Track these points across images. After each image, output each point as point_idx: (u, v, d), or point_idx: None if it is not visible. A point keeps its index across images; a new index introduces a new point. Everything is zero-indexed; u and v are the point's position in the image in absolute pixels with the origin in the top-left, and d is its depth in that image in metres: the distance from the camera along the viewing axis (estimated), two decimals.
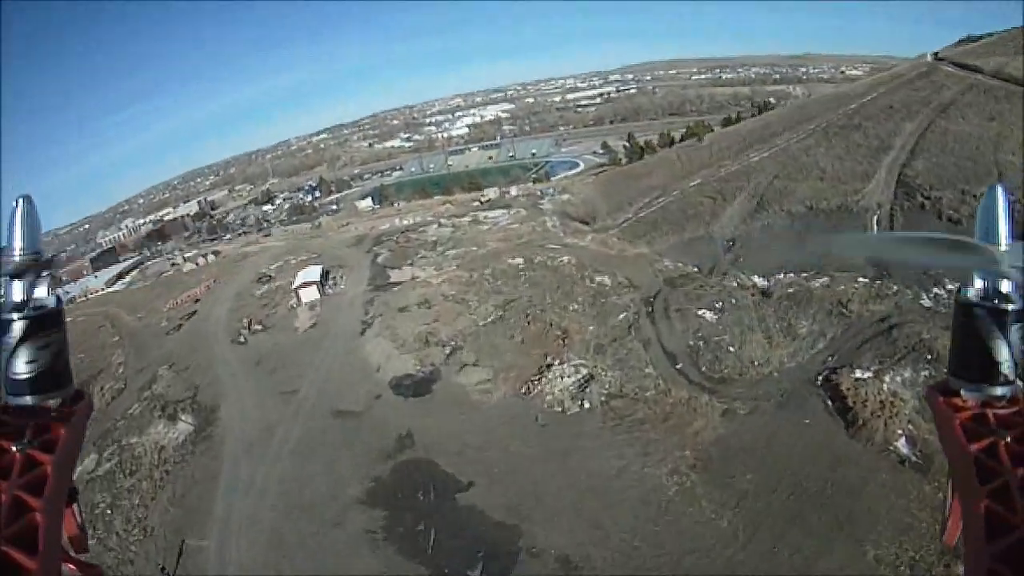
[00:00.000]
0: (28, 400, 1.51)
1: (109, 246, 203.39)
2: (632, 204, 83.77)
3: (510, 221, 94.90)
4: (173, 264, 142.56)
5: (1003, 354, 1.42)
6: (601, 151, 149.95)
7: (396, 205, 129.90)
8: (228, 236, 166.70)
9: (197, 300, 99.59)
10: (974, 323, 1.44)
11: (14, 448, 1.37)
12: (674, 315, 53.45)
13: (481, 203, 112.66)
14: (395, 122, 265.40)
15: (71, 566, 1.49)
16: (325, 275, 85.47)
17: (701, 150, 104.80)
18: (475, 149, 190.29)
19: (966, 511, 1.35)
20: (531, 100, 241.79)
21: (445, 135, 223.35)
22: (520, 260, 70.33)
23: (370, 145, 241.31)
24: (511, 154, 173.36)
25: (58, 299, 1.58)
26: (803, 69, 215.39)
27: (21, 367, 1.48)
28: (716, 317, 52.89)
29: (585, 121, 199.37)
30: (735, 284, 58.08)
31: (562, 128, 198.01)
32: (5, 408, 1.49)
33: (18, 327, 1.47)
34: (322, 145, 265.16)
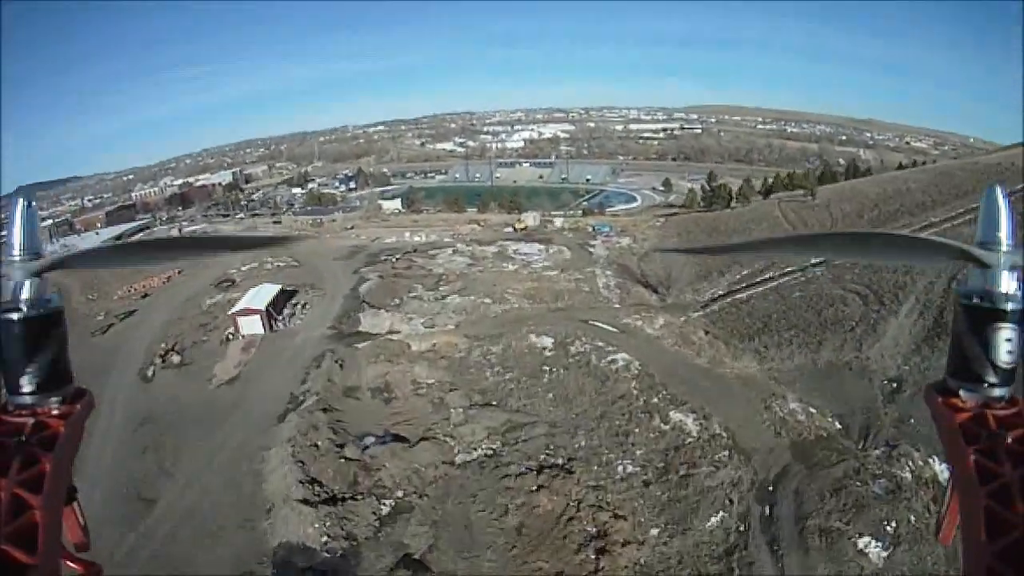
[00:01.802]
0: (28, 399, 1.45)
1: (128, 203, 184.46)
2: (725, 274, 56.28)
3: (547, 263, 68.75)
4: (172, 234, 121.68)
5: (1002, 354, 1.38)
6: (662, 188, 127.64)
7: (415, 216, 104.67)
8: (240, 215, 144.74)
9: (146, 295, 76.34)
10: (973, 323, 1.40)
11: (13, 446, 1.35)
12: (815, 541, 25.73)
13: (515, 230, 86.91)
14: (452, 125, 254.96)
15: (71, 564, 1.45)
16: (285, 297, 60.29)
17: (815, 210, 75.98)
18: (526, 165, 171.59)
19: (965, 511, 1.31)
20: (592, 125, 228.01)
21: (499, 146, 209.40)
22: (548, 341, 44.14)
23: (422, 144, 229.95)
24: (563, 176, 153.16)
25: (58, 298, 1.51)
26: (868, 134, 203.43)
27: (21, 366, 1.43)
28: (887, 556, 25.28)
29: (647, 153, 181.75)
30: (908, 474, 29.99)
31: (621, 157, 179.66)
32: (5, 407, 1.45)
33: (18, 326, 1.42)
34: (376, 137, 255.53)
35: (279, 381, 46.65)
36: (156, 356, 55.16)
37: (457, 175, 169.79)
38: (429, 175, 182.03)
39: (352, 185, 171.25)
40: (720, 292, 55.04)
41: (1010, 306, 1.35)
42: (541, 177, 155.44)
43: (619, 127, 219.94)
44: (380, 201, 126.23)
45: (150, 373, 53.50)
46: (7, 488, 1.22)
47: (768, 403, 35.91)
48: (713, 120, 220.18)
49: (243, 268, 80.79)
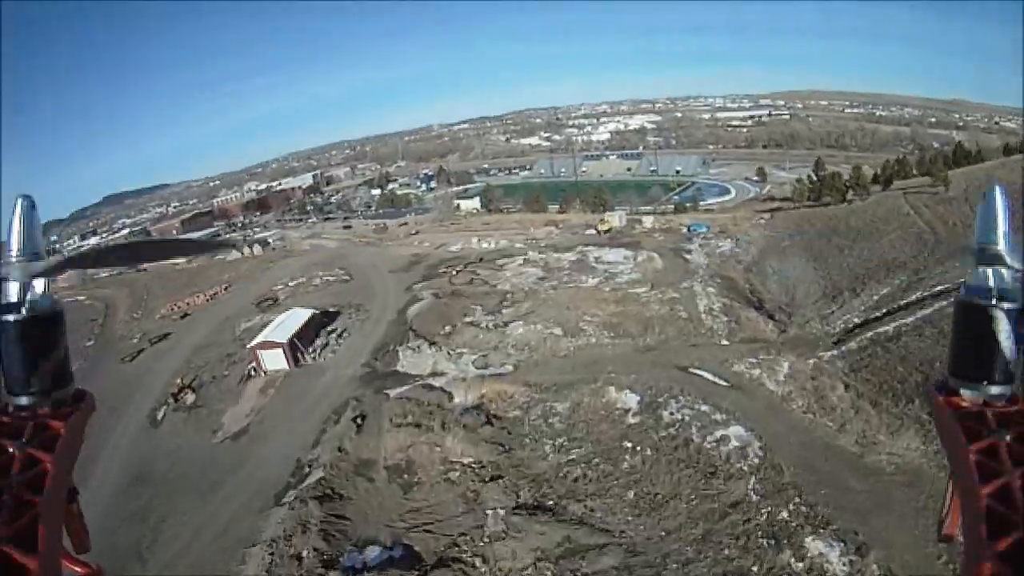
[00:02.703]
0: (28, 400, 1.45)
1: (207, 208, 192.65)
2: (859, 293, 42.83)
3: (634, 276, 57.27)
4: (234, 245, 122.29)
5: (1003, 353, 1.39)
6: (756, 178, 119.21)
7: (488, 218, 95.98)
8: (312, 219, 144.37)
9: (185, 316, 73.62)
10: (974, 321, 1.41)
11: (14, 447, 1.36)
12: None
13: (599, 232, 75.63)
14: (538, 120, 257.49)
15: (72, 565, 1.47)
16: (318, 324, 53.33)
17: (952, 204, 58.88)
18: (614, 157, 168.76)
19: (966, 511, 1.32)
20: (679, 114, 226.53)
21: (585, 139, 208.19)
22: (633, 399, 33.31)
23: (507, 140, 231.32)
24: (652, 168, 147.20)
25: (58, 300, 1.50)
26: (956, 115, 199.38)
27: (21, 367, 1.43)
28: None
29: (736, 142, 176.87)
30: None
31: (710, 146, 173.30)
32: (5, 408, 1.45)
33: (18, 328, 1.42)
34: (461, 135, 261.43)
35: (289, 439, 39.03)
36: (172, 391, 50.45)
37: (542, 170, 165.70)
38: (513, 171, 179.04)
39: (432, 184, 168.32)
40: (856, 321, 41.44)
41: (1009, 304, 1.37)
42: (629, 170, 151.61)
43: (706, 116, 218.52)
44: (457, 201, 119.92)
45: (160, 415, 48.43)
46: (8, 489, 1.25)
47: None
48: (800, 105, 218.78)
49: (290, 284, 76.08)
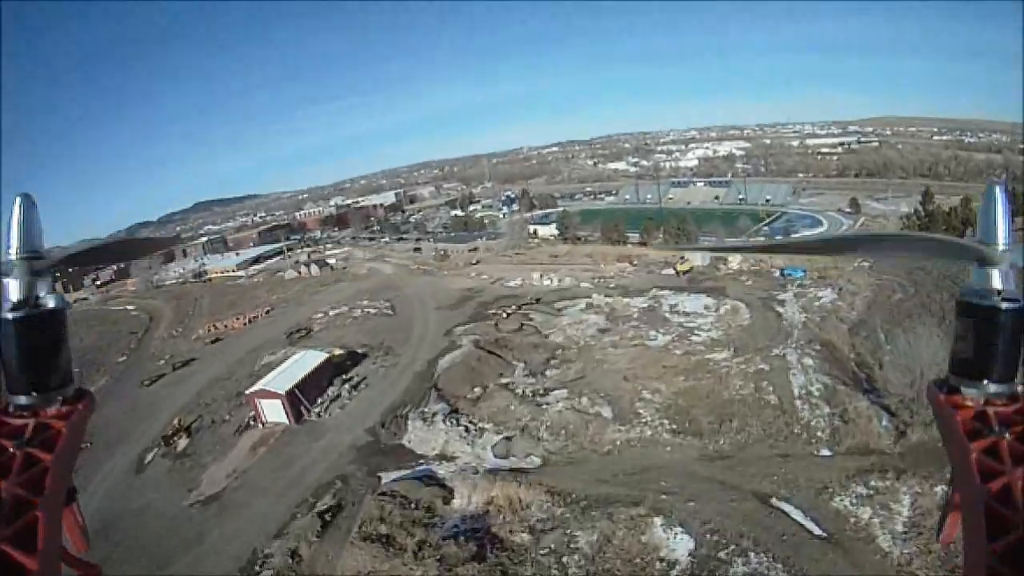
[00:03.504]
0: (29, 400, 1.52)
1: (286, 221, 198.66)
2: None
3: (713, 333, 48.03)
4: (297, 262, 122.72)
5: (1004, 352, 1.45)
6: (849, 209, 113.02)
7: (556, 249, 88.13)
8: (385, 239, 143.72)
9: (216, 340, 71.76)
10: (975, 321, 1.47)
11: (14, 447, 1.41)
12: None
13: (677, 272, 66.13)
14: (626, 145, 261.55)
15: (71, 564, 1.52)
16: (332, 371, 48.59)
17: None
18: (701, 184, 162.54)
19: (967, 510, 1.38)
20: (767, 141, 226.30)
21: (672, 164, 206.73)
22: (683, 547, 24.86)
23: (595, 164, 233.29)
24: (741, 196, 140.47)
25: (59, 299, 1.58)
26: None
27: (23, 366, 1.50)
28: None
29: (826, 170, 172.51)
30: None
31: (800, 174, 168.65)
32: (6, 408, 1.52)
33: (18, 326, 1.49)
34: (549, 158, 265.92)
35: (256, 520, 33.69)
36: (168, 431, 47.09)
37: (627, 196, 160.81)
38: (599, 196, 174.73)
39: (514, 207, 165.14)
40: None
41: (1008, 304, 1.42)
42: (717, 198, 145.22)
43: (795, 143, 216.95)
44: (534, 227, 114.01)
45: (148, 459, 45.06)
46: (8, 489, 1.29)
47: None
48: (889, 132, 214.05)
49: (331, 313, 72.34)
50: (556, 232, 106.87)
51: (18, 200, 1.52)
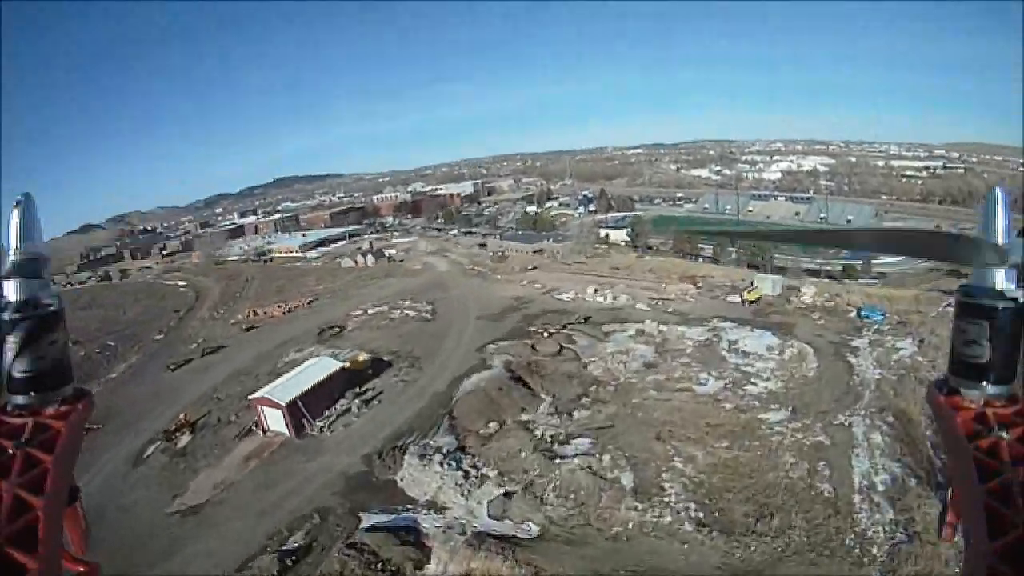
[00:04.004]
0: (28, 400, 1.55)
1: (360, 204, 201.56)
2: None
3: (771, 384, 41.38)
4: (359, 248, 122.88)
5: (1004, 353, 1.48)
6: None
7: (621, 260, 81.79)
8: (453, 231, 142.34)
9: (251, 328, 71.75)
10: (974, 321, 1.50)
11: (14, 448, 1.43)
12: None
13: (744, 301, 59.52)
14: (710, 152, 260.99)
15: (72, 564, 1.54)
16: (345, 384, 46.32)
17: None
18: (782, 199, 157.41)
19: (966, 509, 1.41)
20: (852, 159, 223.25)
21: (755, 176, 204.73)
22: None
23: (677, 169, 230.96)
24: (822, 215, 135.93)
25: (57, 300, 1.61)
26: None
27: (22, 366, 1.53)
28: None
29: (910, 194, 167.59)
30: None
31: (884, 196, 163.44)
32: (5, 408, 1.54)
33: (17, 327, 1.52)
34: (633, 159, 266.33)
35: (227, 544, 31.76)
36: (173, 425, 46.23)
37: (706, 205, 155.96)
38: (678, 202, 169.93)
39: (591, 207, 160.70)
40: None
41: (1004, 304, 1.45)
42: (797, 214, 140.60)
43: (880, 163, 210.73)
44: (606, 230, 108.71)
45: (148, 453, 44.26)
46: (8, 489, 1.32)
47: None
48: (975, 160, 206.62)
49: (369, 311, 70.39)
50: (627, 238, 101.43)
51: (18, 201, 1.54)
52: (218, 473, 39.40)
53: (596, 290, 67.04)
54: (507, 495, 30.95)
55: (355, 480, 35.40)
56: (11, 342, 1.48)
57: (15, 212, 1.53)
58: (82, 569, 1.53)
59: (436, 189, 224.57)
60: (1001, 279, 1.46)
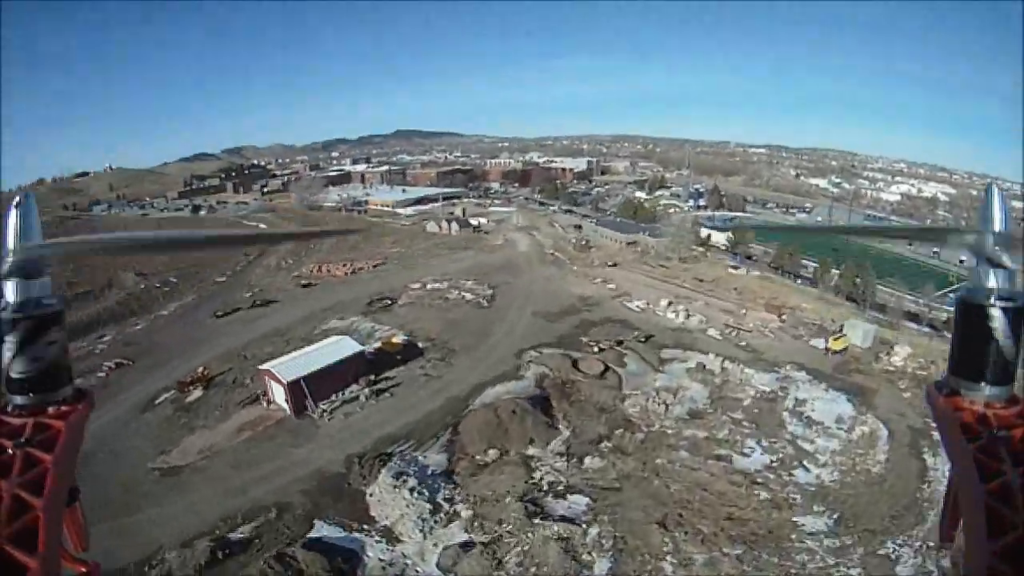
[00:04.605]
0: (28, 400, 1.58)
1: (468, 167, 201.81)
2: None
3: (829, 471, 34.17)
4: (451, 213, 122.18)
5: (1004, 353, 1.50)
6: None
7: (694, 277, 73.47)
8: (554, 208, 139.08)
9: (307, 285, 73.32)
10: (974, 321, 1.53)
11: (14, 448, 1.46)
12: None
13: (827, 349, 51.17)
14: (832, 162, 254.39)
15: (71, 564, 1.56)
16: (360, 369, 45.46)
17: None
18: (896, 222, 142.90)
19: (967, 509, 1.42)
20: (974, 192, 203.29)
21: (874, 194, 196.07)
22: None
23: (796, 176, 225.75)
24: (935, 250, 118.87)
25: (58, 299, 1.64)
26: None
27: (21, 366, 1.55)
28: None
29: None
30: None
31: None
32: (5, 408, 1.58)
33: (16, 327, 1.54)
34: (754, 159, 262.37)
35: (184, 517, 31.57)
36: (185, 379, 46.97)
37: (819, 218, 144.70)
38: (791, 210, 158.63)
39: (701, 202, 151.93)
40: None
41: (1004, 304, 1.48)
42: (910, 244, 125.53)
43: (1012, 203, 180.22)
44: (707, 230, 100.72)
45: (159, 401, 45.30)
46: (8, 489, 1.34)
47: None
48: None
49: (427, 286, 68.79)
50: (726, 242, 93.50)
51: (16, 200, 1.56)
52: (210, 437, 39.41)
53: (670, 303, 61.12)
54: (466, 546, 27.76)
55: (328, 482, 33.71)
56: (11, 342, 1.50)
57: (14, 212, 1.54)
58: (82, 569, 1.53)
59: (551, 161, 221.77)
60: (1001, 280, 1.49)
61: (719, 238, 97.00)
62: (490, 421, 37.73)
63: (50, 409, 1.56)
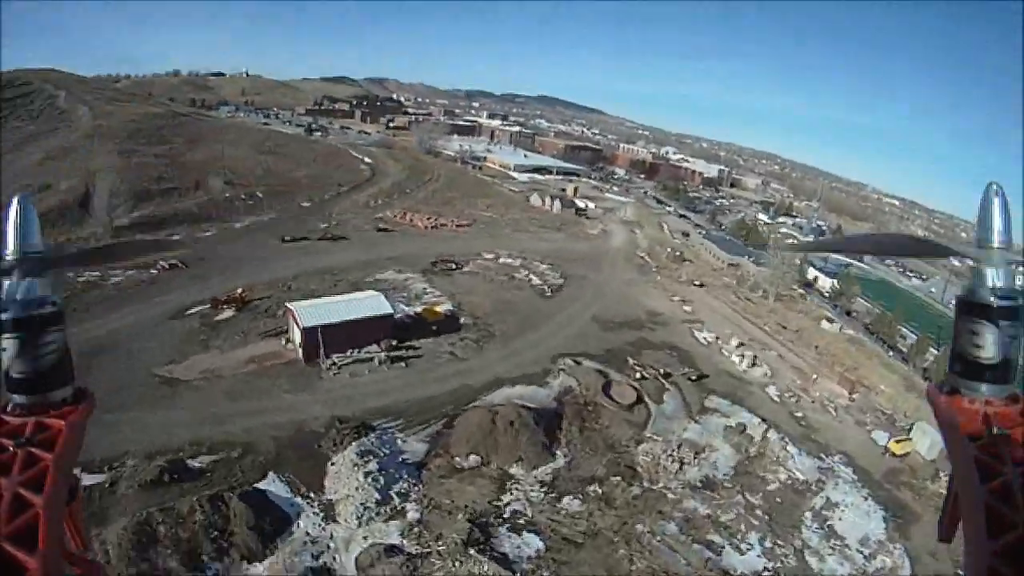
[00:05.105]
0: (29, 400, 1.60)
1: (599, 147, 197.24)
2: None
3: None
4: (563, 190, 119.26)
5: (1004, 353, 1.52)
6: None
7: (775, 320, 65.28)
8: (672, 209, 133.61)
9: (383, 231, 75.08)
10: (974, 321, 1.54)
11: (14, 447, 1.47)
12: None
13: (887, 449, 42.75)
14: (963, 233, 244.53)
15: (72, 563, 1.57)
16: (385, 329, 44.63)
17: None
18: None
19: (967, 509, 1.43)
20: None
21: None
22: None
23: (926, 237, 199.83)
24: None
25: (58, 299, 1.66)
26: None
27: (22, 366, 1.58)
28: None
29: None
30: None
31: None
32: (6, 406, 1.59)
33: (17, 327, 1.56)
34: (886, 209, 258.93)
35: (159, 428, 32.77)
36: (221, 296, 48.50)
37: (933, 289, 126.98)
38: (908, 273, 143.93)
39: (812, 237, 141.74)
40: None
41: (1003, 303, 1.50)
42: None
43: None
44: (814, 271, 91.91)
45: (190, 312, 47.07)
46: (9, 488, 1.36)
47: None
48: None
49: (501, 259, 67.03)
50: (830, 291, 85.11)
51: (16, 201, 1.59)
52: (218, 360, 40.27)
53: (740, 344, 55.51)
54: (392, 550, 26.07)
55: (302, 437, 33.28)
56: (11, 342, 1.53)
57: (13, 212, 1.57)
58: (81, 568, 1.56)
59: (684, 160, 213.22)
60: (1001, 279, 1.51)
61: (824, 283, 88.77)
62: (483, 425, 35.47)
63: (51, 409, 1.57)
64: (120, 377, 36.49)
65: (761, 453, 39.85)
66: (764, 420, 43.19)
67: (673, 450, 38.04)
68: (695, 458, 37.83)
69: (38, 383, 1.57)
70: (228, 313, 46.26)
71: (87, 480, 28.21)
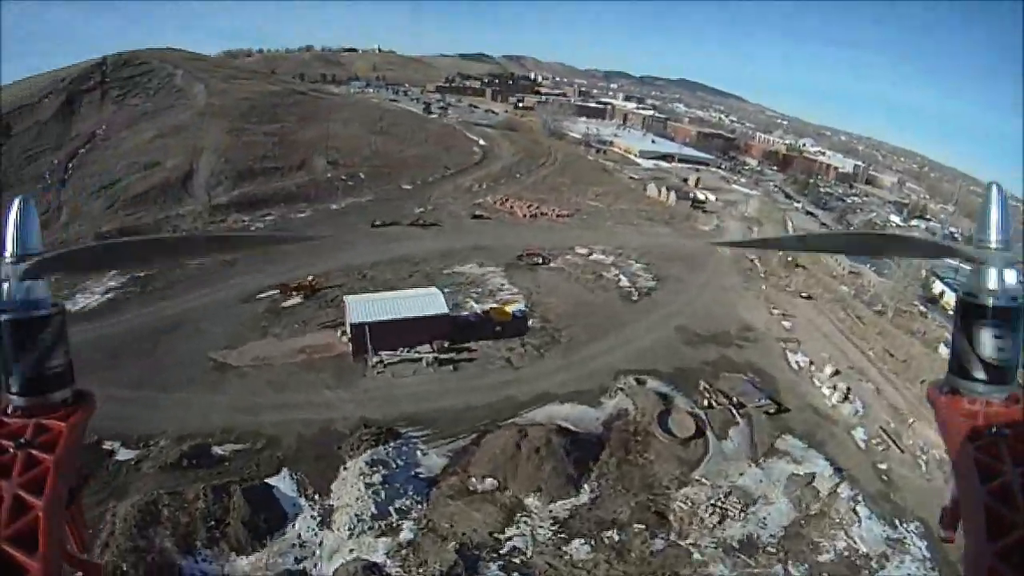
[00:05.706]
0: (29, 401, 1.62)
1: (732, 136, 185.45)
2: None
3: None
4: (686, 180, 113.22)
5: (1004, 353, 1.55)
6: None
7: (884, 347, 56.02)
8: (800, 205, 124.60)
9: (477, 218, 74.96)
10: (975, 321, 1.56)
11: (15, 448, 1.49)
12: None
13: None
14: None
15: (72, 565, 1.59)
16: (442, 329, 44.32)
17: None
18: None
19: (967, 509, 1.45)
20: None
21: None
22: None
23: None
24: None
25: (59, 300, 1.69)
26: None
27: (22, 368, 1.59)
28: None
29: None
30: None
31: None
32: (5, 408, 1.61)
33: (16, 328, 1.58)
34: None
35: (197, 410, 35.03)
36: (288, 284, 50.09)
37: None
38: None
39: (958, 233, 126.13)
40: None
41: (1003, 303, 1.53)
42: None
43: None
44: (942, 285, 80.00)
45: (260, 296, 49.37)
46: (9, 490, 1.38)
47: None
48: None
49: (594, 256, 64.69)
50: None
51: (15, 202, 1.61)
52: (272, 348, 42.07)
53: (835, 373, 49.21)
54: (370, 568, 25.71)
55: (325, 437, 33.87)
56: (11, 343, 1.54)
57: (13, 214, 1.59)
58: (81, 570, 1.58)
59: (820, 152, 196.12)
60: (1001, 278, 1.53)
61: (951, 298, 76.74)
62: (507, 447, 34.00)
63: (51, 411, 1.59)
64: (178, 358, 39.43)
65: (823, 512, 34.69)
66: (838, 471, 37.66)
67: (719, 499, 34.15)
68: (742, 511, 33.80)
69: (38, 385, 1.58)
70: (295, 300, 48.14)
71: (121, 455, 30.67)
